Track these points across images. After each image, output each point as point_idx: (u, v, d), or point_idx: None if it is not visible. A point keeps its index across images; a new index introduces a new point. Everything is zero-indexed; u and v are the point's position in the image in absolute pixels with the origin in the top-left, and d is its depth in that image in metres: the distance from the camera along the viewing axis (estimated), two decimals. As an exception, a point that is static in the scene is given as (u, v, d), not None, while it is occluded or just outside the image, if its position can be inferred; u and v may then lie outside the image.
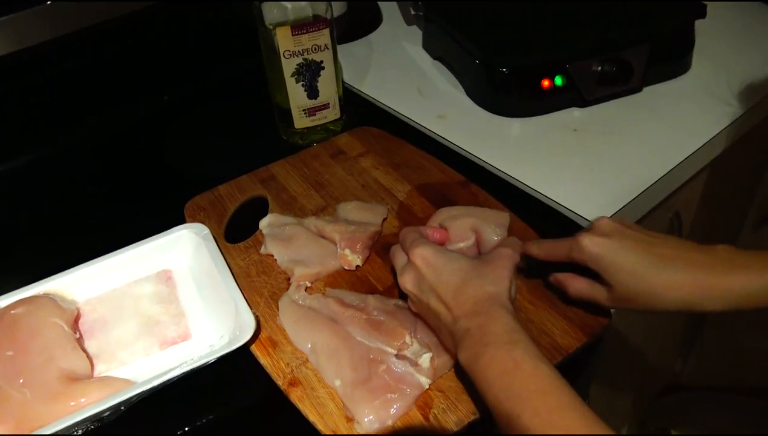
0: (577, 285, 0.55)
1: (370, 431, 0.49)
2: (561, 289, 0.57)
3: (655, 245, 0.51)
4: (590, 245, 0.52)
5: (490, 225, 0.61)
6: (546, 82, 0.81)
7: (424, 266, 0.52)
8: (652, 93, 0.86)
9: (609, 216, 0.67)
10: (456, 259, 0.53)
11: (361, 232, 0.63)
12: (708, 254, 0.50)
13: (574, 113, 0.84)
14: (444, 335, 0.52)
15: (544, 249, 0.57)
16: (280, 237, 0.65)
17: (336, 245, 0.64)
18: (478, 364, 0.46)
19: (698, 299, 0.49)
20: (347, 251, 0.62)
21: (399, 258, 0.56)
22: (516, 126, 0.83)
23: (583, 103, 0.83)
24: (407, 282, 0.53)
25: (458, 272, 0.51)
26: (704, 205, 0.98)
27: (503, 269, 0.52)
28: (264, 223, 0.68)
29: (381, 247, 0.66)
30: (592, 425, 0.40)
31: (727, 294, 0.48)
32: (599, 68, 0.82)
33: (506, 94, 0.84)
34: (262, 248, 0.65)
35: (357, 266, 0.63)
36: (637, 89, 0.86)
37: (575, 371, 0.60)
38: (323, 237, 0.65)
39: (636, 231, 0.53)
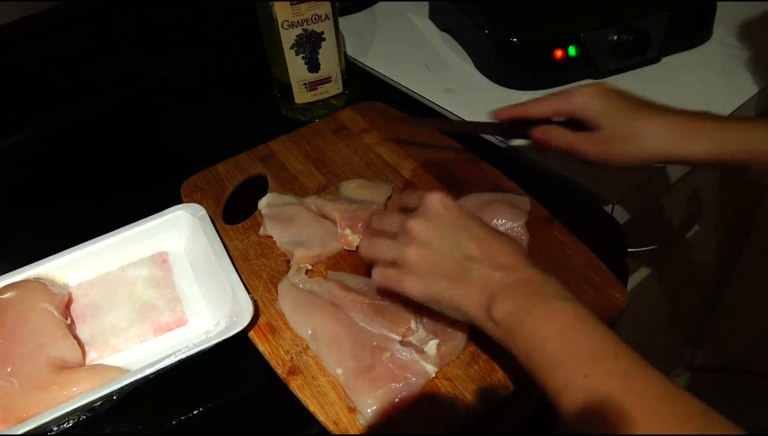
0: (561, 136, 0.56)
1: (373, 422, 0.47)
2: (544, 144, 0.57)
3: (643, 98, 0.55)
4: (582, 92, 0.55)
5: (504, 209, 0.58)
6: (559, 53, 0.77)
7: (443, 207, 0.46)
8: (670, 64, 0.82)
9: (625, 194, 0.65)
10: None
11: (362, 211, 0.60)
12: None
13: (589, 86, 0.80)
14: (466, 283, 0.44)
15: (527, 106, 0.58)
16: (280, 218, 0.62)
17: (336, 224, 0.61)
18: (532, 316, 0.41)
19: (682, 140, 0.52)
20: (348, 231, 0.60)
21: (393, 219, 0.49)
22: (527, 99, 0.79)
23: (598, 74, 0.80)
24: (417, 225, 0.46)
25: (479, 221, 0.47)
26: (724, 183, 0.94)
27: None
28: (263, 203, 0.65)
29: (385, 227, 0.63)
30: (671, 388, 0.36)
31: (708, 136, 0.52)
32: (615, 38, 0.78)
33: (517, 66, 0.80)
34: (261, 229, 0.63)
35: (358, 247, 0.60)
36: (654, 60, 0.81)
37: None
38: (324, 217, 0.62)
39: None
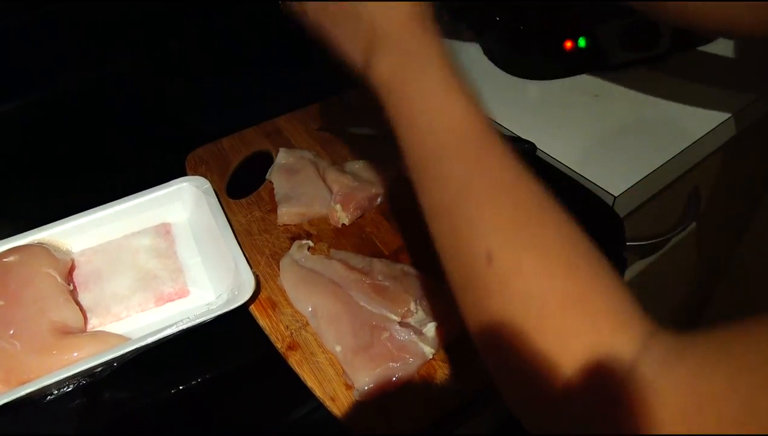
0: None
1: (369, 400, 0.48)
2: None
3: None
4: None
5: None
6: (569, 44, 0.77)
7: None
8: (681, 59, 0.81)
9: (626, 189, 0.65)
10: None
11: (360, 190, 0.61)
12: None
13: (597, 78, 0.80)
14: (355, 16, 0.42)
15: None
16: (288, 168, 0.64)
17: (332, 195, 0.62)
18: (409, 88, 0.40)
19: None
20: (338, 207, 0.60)
21: None
22: (535, 89, 0.79)
23: (607, 66, 0.79)
24: None
25: None
26: (724, 181, 0.95)
27: None
28: (283, 152, 0.67)
29: (389, 209, 0.63)
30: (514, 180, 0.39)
31: None
32: (625, 30, 0.78)
33: (526, 54, 0.80)
34: (267, 173, 0.65)
35: (342, 225, 0.61)
36: (665, 55, 0.81)
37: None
38: (325, 183, 0.63)
39: None
